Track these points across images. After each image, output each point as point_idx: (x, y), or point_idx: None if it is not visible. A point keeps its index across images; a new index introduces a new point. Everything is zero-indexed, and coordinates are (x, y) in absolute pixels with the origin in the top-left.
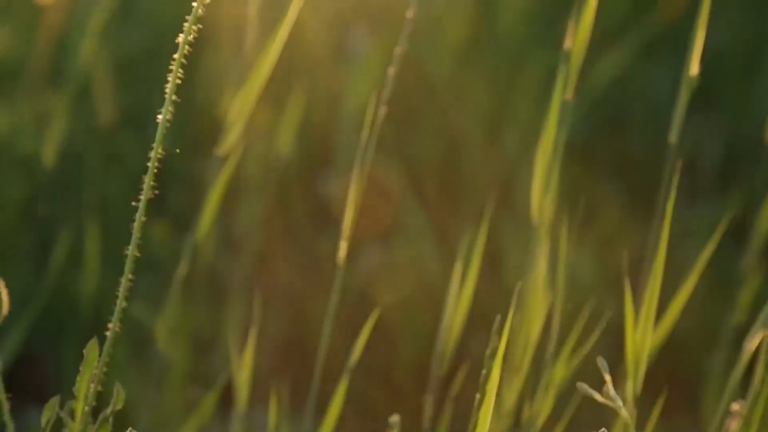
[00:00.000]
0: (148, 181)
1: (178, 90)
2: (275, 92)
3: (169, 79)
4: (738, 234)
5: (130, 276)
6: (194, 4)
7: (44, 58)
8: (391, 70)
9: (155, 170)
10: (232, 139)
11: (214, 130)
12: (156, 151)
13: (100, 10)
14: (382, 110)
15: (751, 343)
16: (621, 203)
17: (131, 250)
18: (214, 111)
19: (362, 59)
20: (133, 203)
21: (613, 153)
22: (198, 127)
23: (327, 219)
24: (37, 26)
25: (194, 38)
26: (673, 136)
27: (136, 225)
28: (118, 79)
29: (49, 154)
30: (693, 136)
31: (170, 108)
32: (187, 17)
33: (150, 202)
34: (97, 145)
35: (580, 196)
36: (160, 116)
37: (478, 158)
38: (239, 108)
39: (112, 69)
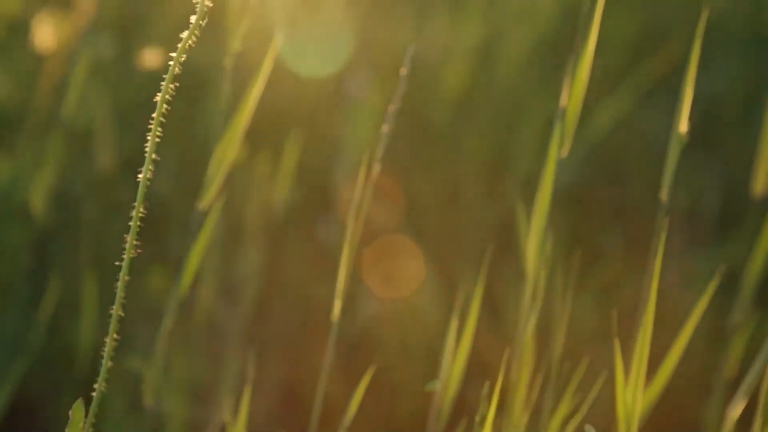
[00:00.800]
0: (130, 239)
1: (179, 131)
2: (275, 137)
3: (149, 137)
4: (734, 282)
5: (116, 336)
6: (170, 63)
7: (45, 105)
8: (386, 127)
9: (153, 216)
10: (212, 191)
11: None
12: (138, 210)
13: (100, 57)
14: (377, 167)
15: (734, 412)
16: (619, 251)
17: (115, 310)
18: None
19: (362, 103)
20: (132, 253)
21: (612, 200)
22: (199, 169)
23: (327, 265)
24: (38, 74)
25: (194, 82)
26: (664, 194)
27: (119, 284)
28: (117, 125)
29: (47, 202)
30: (691, 183)
31: (150, 167)
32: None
33: (149, 249)
34: (96, 192)
35: (577, 245)
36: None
37: (477, 206)
38: (220, 159)
39: (112, 115)
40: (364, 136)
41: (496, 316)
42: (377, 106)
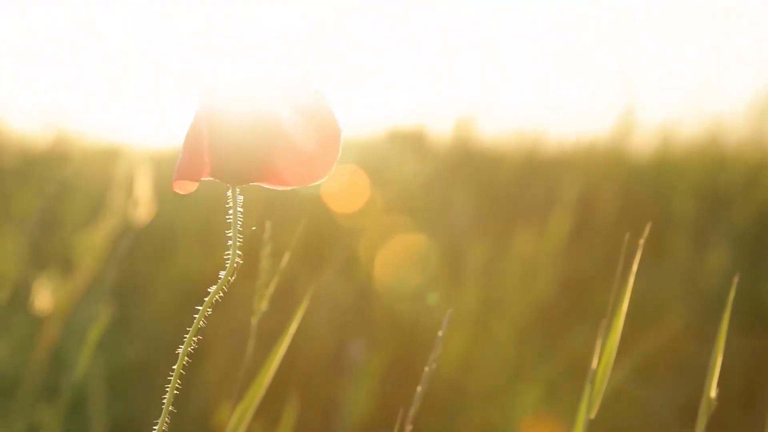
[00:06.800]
0: None
1: (175, 395)
2: (272, 400)
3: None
4: None
5: None
6: (188, 330)
7: (40, 369)
8: (419, 388)
9: None
10: None
11: None
12: None
13: (96, 322)
14: (408, 429)
15: None
16: None
17: None
18: (210, 417)
19: (360, 370)
20: None
21: None
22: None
23: None
24: (35, 337)
25: (192, 349)
26: None
27: None
28: (112, 389)
29: None
30: None
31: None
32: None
33: None
34: None
35: None
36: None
37: None
38: (236, 423)
39: (107, 380)
40: (362, 400)
41: None
42: (376, 372)
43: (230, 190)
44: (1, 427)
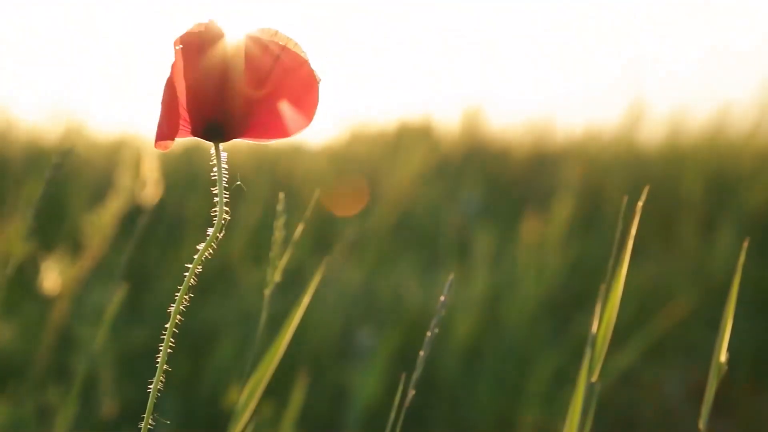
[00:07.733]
0: None
1: (186, 380)
2: (282, 384)
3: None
4: None
5: None
6: (170, 310)
7: (49, 350)
8: (422, 352)
9: None
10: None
11: (220, 418)
12: None
13: (110, 304)
14: (411, 394)
15: None
16: None
17: None
18: (221, 400)
19: (369, 356)
20: None
21: None
22: (205, 413)
23: None
24: (43, 318)
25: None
26: (702, 423)
27: None
28: (121, 372)
29: None
30: None
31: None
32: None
33: None
34: None
35: None
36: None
37: None
38: (245, 400)
39: (116, 362)
40: (371, 385)
41: None
42: (384, 357)
43: (213, 148)
44: (12, 408)
